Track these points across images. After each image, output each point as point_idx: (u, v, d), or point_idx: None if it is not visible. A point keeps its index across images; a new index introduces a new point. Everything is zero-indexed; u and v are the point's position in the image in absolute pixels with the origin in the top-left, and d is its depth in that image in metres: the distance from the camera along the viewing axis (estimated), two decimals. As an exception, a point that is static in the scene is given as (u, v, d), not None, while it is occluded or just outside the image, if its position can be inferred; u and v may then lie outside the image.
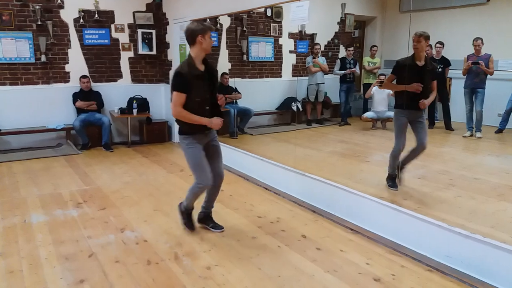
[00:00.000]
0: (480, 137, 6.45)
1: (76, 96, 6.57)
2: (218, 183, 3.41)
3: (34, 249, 3.22)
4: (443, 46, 7.06)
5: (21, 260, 3.03)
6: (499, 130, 6.58)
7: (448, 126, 6.96)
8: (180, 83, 2.98)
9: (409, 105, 4.10)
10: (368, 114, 7.56)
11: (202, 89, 3.08)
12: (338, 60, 8.26)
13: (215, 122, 3.13)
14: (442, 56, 7.07)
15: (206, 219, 3.58)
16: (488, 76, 6.42)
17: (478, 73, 6.42)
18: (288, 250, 3.22)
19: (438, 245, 2.95)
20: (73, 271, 2.88)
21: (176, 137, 7.21)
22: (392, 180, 4.29)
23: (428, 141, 4.12)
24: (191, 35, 3.01)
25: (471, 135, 6.54)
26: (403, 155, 4.21)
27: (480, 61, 6.33)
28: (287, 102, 8.12)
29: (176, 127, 7.07)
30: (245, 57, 7.73)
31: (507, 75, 6.56)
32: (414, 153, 4.20)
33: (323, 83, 8.01)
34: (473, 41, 6.44)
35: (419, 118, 4.15)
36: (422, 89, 4.03)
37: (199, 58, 3.08)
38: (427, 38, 3.97)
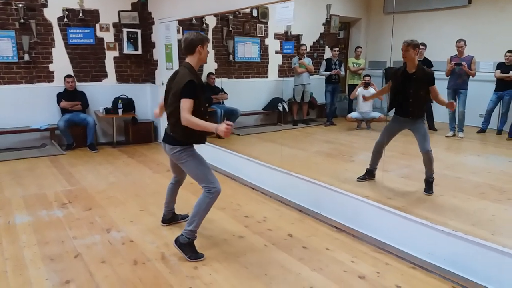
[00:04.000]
0: (462, 137, 6.58)
1: (60, 96, 6.50)
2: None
3: (18, 250, 3.18)
4: (426, 47, 7.18)
5: (6, 262, 3.00)
6: (481, 130, 6.73)
7: (431, 127, 7.07)
8: (192, 89, 2.89)
9: (398, 112, 4.24)
10: (353, 115, 7.65)
11: (203, 99, 3.05)
12: (324, 61, 8.33)
13: (221, 128, 2.79)
14: (425, 58, 7.18)
15: (174, 217, 3.72)
16: (470, 77, 6.55)
17: (460, 74, 6.55)
18: (275, 249, 3.25)
19: (421, 243, 3.01)
20: (59, 272, 2.86)
21: (162, 137, 7.16)
22: (367, 173, 4.57)
23: (430, 147, 4.10)
24: (191, 45, 2.98)
25: (454, 135, 6.67)
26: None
27: (463, 63, 6.46)
28: (273, 103, 8.17)
29: (162, 128, 7.03)
30: (231, 57, 7.75)
31: (488, 76, 6.72)
32: (425, 162, 4.17)
33: (309, 83, 8.08)
34: (456, 42, 6.57)
35: (412, 125, 4.16)
36: (412, 97, 4.03)
37: (196, 68, 3.07)
38: (415, 46, 3.95)
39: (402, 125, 4.25)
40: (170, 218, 3.69)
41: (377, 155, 4.48)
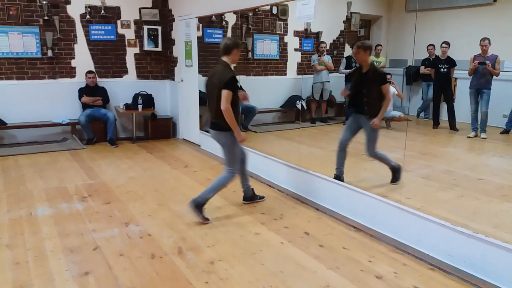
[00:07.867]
0: (484, 138, 6.43)
1: (82, 92, 6.61)
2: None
3: (39, 241, 3.26)
4: (449, 46, 7.05)
5: (27, 252, 3.07)
6: (505, 131, 6.56)
7: (452, 126, 6.95)
8: (234, 83, 3.50)
9: (350, 107, 4.39)
10: (373, 113, 7.54)
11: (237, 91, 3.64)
12: (344, 58, 8.24)
13: (244, 136, 3.69)
14: (448, 56, 7.06)
15: (253, 196, 4.16)
16: (494, 76, 6.40)
17: (484, 73, 6.40)
18: (291, 247, 3.24)
19: (441, 244, 2.96)
20: (78, 263, 2.92)
21: (181, 133, 7.24)
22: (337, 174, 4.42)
23: (375, 150, 4.26)
24: (228, 48, 3.58)
25: (476, 136, 6.52)
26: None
27: (487, 62, 6.31)
28: (291, 100, 8.13)
29: (181, 124, 7.12)
30: (250, 54, 7.74)
31: (513, 76, 6.54)
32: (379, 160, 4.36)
33: (328, 81, 8.01)
34: (480, 41, 6.41)
35: (363, 123, 4.21)
36: (364, 95, 4.15)
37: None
38: (366, 48, 4.14)
39: (355, 119, 4.33)
40: (252, 196, 4.15)
41: (339, 154, 4.42)
